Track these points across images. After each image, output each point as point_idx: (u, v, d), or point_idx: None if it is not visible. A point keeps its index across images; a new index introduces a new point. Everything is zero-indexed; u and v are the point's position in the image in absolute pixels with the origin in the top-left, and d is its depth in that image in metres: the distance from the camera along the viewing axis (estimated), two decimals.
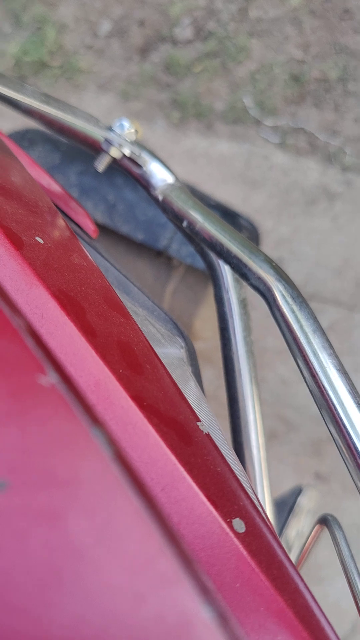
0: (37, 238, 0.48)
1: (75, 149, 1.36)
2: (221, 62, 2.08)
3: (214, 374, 1.88)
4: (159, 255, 1.40)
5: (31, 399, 0.31)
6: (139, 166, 0.73)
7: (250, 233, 1.46)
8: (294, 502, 0.98)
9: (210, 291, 1.43)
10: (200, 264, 1.33)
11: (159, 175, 0.73)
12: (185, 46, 2.08)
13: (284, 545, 0.45)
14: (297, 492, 1.03)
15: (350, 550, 0.56)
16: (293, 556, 0.74)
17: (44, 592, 0.26)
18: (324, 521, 0.63)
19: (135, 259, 1.39)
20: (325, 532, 0.64)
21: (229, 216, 1.40)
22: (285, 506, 0.97)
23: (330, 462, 1.85)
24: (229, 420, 0.68)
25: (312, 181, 2.01)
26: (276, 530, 0.79)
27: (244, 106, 2.05)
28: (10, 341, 0.32)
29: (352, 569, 0.53)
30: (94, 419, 0.31)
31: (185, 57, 2.06)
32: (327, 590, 1.73)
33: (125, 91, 2.04)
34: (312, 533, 0.69)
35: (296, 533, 0.83)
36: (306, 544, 0.71)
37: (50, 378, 0.32)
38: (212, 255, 0.70)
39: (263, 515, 0.41)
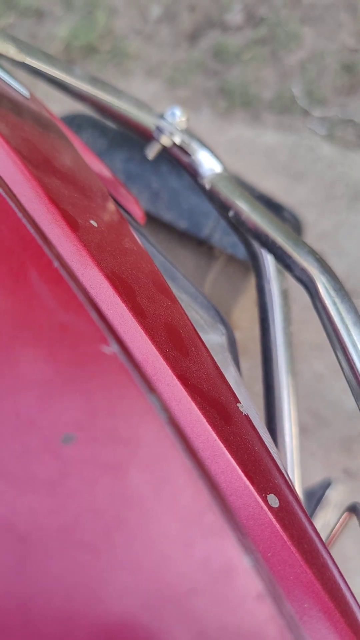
0: (92, 221, 0.49)
1: (122, 135, 1.36)
2: (271, 49, 2.05)
3: (249, 366, 1.87)
4: (201, 244, 1.40)
5: (96, 366, 0.35)
6: (188, 155, 0.74)
7: (292, 225, 1.45)
8: (322, 495, 0.98)
9: (250, 282, 1.42)
10: (241, 254, 1.33)
11: (207, 164, 0.74)
12: (235, 33, 2.06)
13: None
14: (326, 484, 1.03)
15: None
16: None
17: (108, 534, 0.29)
18: (353, 509, 0.64)
19: (176, 247, 1.40)
20: (354, 524, 0.64)
21: (272, 207, 1.39)
22: (313, 498, 0.97)
23: None
24: (264, 408, 0.69)
25: (358, 175, 1.97)
26: None
27: (293, 96, 2.02)
28: (77, 314, 0.36)
29: None
30: (151, 387, 0.35)
31: (234, 44, 2.04)
32: (353, 581, 1.72)
33: (173, 78, 2.03)
34: (341, 520, 0.70)
35: (322, 525, 0.83)
36: (334, 530, 0.72)
37: (112, 348, 0.35)
38: (256, 246, 0.71)
39: (295, 494, 0.42)
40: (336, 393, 1.87)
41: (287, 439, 0.66)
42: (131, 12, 2.10)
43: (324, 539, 0.78)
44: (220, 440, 0.39)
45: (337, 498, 1.03)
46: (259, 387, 0.71)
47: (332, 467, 1.83)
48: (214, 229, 1.32)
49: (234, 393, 0.46)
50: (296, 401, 0.69)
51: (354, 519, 0.64)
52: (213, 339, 0.63)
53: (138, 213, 0.72)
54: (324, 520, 0.86)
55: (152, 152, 0.73)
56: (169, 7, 2.07)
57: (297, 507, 0.41)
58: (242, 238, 0.74)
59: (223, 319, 0.69)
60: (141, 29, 2.08)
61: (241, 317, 1.45)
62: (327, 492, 1.00)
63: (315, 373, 1.88)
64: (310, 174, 1.98)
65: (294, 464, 0.65)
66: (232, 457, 0.39)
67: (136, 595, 0.28)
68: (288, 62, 2.04)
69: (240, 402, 0.46)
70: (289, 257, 0.57)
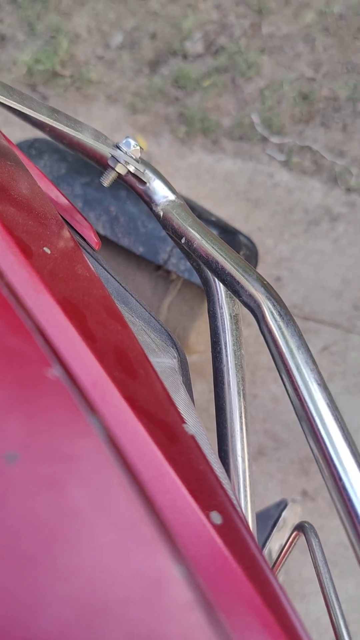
0: (45, 248, 0.51)
1: (80, 161, 1.37)
2: (231, 77, 2.09)
3: (208, 388, 1.88)
4: (158, 269, 1.41)
5: (39, 388, 0.37)
6: (143, 182, 0.75)
7: (249, 250, 1.47)
8: (279, 516, 0.99)
9: (206, 306, 1.44)
10: (197, 278, 1.35)
11: (161, 192, 0.75)
12: (195, 60, 2.10)
13: (266, 558, 0.47)
14: (282, 505, 1.04)
15: (324, 557, 0.58)
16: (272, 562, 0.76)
17: (46, 545, 0.31)
18: (301, 528, 0.65)
19: (134, 271, 1.41)
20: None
21: (228, 233, 1.41)
22: (270, 519, 0.97)
23: (318, 481, 1.85)
24: (216, 430, 0.70)
25: (315, 201, 2.02)
26: (259, 543, 0.81)
27: (252, 123, 2.07)
28: (23, 338, 0.38)
29: (325, 574, 0.56)
30: (92, 409, 0.38)
31: (194, 71, 2.08)
32: (309, 607, 1.73)
33: (134, 104, 2.05)
34: (290, 540, 0.71)
35: (279, 546, 0.84)
36: (284, 550, 0.73)
37: (55, 371, 0.38)
38: (208, 272, 0.73)
39: (240, 513, 0.43)
40: (293, 415, 1.89)
41: (239, 460, 0.67)
42: (93, 39, 2.13)
43: (277, 558, 0.79)
44: (166, 459, 0.40)
45: (293, 519, 1.04)
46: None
47: (290, 488, 1.84)
48: (170, 253, 1.34)
49: (180, 414, 0.47)
50: (247, 423, 0.70)
51: (302, 538, 0.65)
52: (164, 362, 0.64)
53: (93, 239, 0.72)
54: (281, 543, 0.87)
55: (107, 179, 0.74)
56: (130, 34, 2.10)
57: (240, 525, 0.42)
58: (194, 264, 0.76)
59: (175, 343, 0.70)
60: (103, 55, 2.10)
61: (198, 341, 1.46)
62: (283, 513, 1.01)
63: (272, 395, 1.90)
64: (269, 199, 2.01)
65: (246, 485, 0.66)
66: (177, 475, 0.40)
67: (72, 604, 0.30)
68: (247, 90, 2.09)
69: (186, 423, 0.47)
70: (238, 283, 0.59)
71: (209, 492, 0.42)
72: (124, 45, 2.10)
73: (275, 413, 1.89)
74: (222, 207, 1.99)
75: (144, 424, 0.41)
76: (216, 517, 0.40)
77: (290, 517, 1.02)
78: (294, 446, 1.87)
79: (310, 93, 2.08)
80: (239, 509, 0.44)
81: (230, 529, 0.40)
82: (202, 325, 1.43)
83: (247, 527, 0.42)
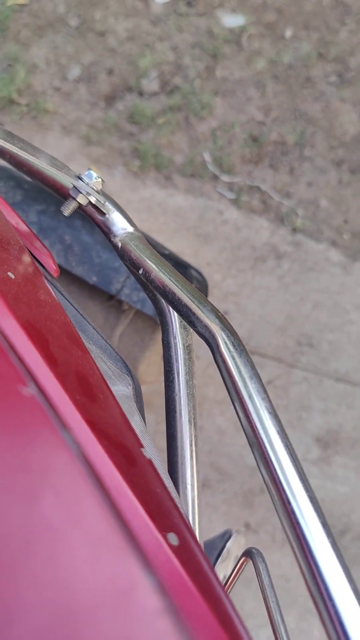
0: (9, 273, 0.51)
1: (37, 187, 1.38)
2: (184, 116, 2.15)
3: (153, 419, 1.89)
4: (110, 299, 1.43)
5: (15, 404, 0.38)
6: (103, 213, 0.76)
7: (199, 284, 1.50)
8: (223, 547, 1.00)
9: (157, 337, 1.45)
10: (149, 310, 1.36)
11: (120, 224, 0.77)
12: (150, 98, 2.16)
13: None
14: (226, 536, 1.05)
15: (271, 582, 0.60)
16: None
17: (21, 554, 0.32)
18: (249, 554, 0.66)
19: (86, 300, 1.41)
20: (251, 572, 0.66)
21: (179, 266, 1.44)
22: (214, 550, 0.98)
23: (261, 514, 1.87)
24: (167, 458, 0.71)
25: (262, 239, 2.08)
26: None
27: (203, 161, 2.12)
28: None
29: (272, 598, 0.57)
30: (65, 425, 0.39)
31: (149, 108, 2.13)
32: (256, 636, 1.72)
33: (88, 136, 2.08)
34: (237, 566, 0.72)
35: (223, 577, 0.85)
36: (230, 578, 0.74)
37: (30, 389, 0.39)
38: (163, 303, 0.74)
39: (195, 536, 0.44)
40: (238, 448, 1.91)
41: (189, 488, 0.68)
42: (51, 70, 2.16)
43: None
44: (125, 480, 0.41)
45: (237, 551, 1.04)
46: (164, 443, 0.74)
47: (234, 521, 1.85)
48: (124, 284, 1.35)
49: (138, 438, 0.49)
50: (197, 451, 0.71)
51: (250, 564, 0.66)
52: (120, 389, 0.65)
53: (52, 266, 0.73)
54: (225, 574, 0.88)
55: (68, 209, 0.76)
56: (88, 68, 2.14)
57: (195, 548, 0.43)
58: (150, 295, 0.77)
59: (130, 371, 0.72)
60: (60, 86, 2.13)
61: (147, 372, 1.47)
62: (228, 544, 1.01)
63: (218, 428, 1.92)
64: (218, 235, 2.06)
65: (195, 512, 0.67)
66: (135, 497, 0.41)
67: (46, 612, 0.30)
68: (200, 129, 2.15)
69: (144, 447, 0.48)
70: (193, 314, 0.60)
71: (166, 515, 0.43)
72: (81, 79, 2.14)
73: (221, 445, 1.90)
74: (173, 241, 2.03)
75: (104, 446, 0.42)
76: (173, 539, 0.41)
77: (234, 548, 1.03)
78: (238, 479, 1.89)
79: (260, 136, 2.16)
80: (193, 531, 0.45)
81: (187, 551, 0.41)
82: (152, 357, 1.44)
83: (201, 549, 0.43)
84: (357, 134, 2.22)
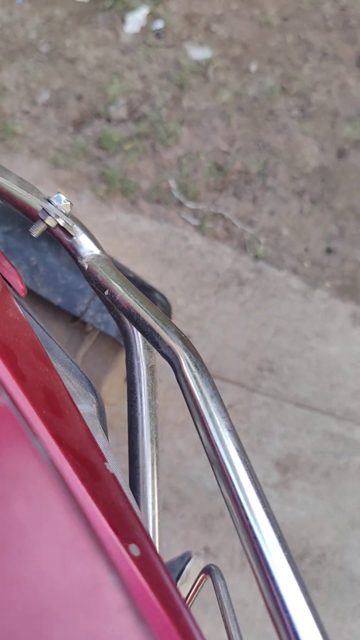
0: None
1: (3, 209, 1.39)
2: (151, 143, 2.20)
3: (114, 441, 1.89)
4: (74, 320, 1.44)
5: None
6: (70, 236, 0.78)
7: (163, 307, 1.53)
8: (183, 569, 1.00)
9: (120, 359, 1.47)
10: (112, 331, 1.38)
11: (87, 246, 0.78)
12: (118, 124, 2.19)
13: None
14: (185, 558, 1.05)
15: (229, 598, 0.61)
16: None
17: None
18: (208, 571, 0.67)
19: (50, 321, 1.42)
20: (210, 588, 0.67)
21: (144, 289, 1.46)
22: (174, 572, 0.98)
23: (220, 539, 1.87)
24: (129, 477, 0.72)
25: (226, 265, 2.12)
26: None
27: (169, 187, 2.16)
28: None
29: (230, 614, 0.59)
30: (35, 433, 0.41)
31: (117, 134, 2.17)
32: None
33: (56, 159, 2.11)
34: (197, 583, 0.73)
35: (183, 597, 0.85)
36: (191, 592, 0.75)
37: (2, 399, 0.41)
38: (128, 323, 0.76)
39: (155, 549, 0.46)
40: (198, 471, 1.92)
41: (150, 506, 0.69)
42: (20, 93, 2.18)
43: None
44: (89, 493, 0.42)
45: (196, 572, 1.05)
46: (124, 465, 0.75)
47: (193, 545, 1.85)
48: (88, 305, 1.36)
49: (102, 453, 0.50)
50: (158, 470, 0.73)
51: (209, 581, 0.67)
52: (84, 408, 0.66)
53: (19, 286, 0.75)
54: (184, 594, 0.88)
55: (36, 230, 0.77)
56: (57, 93, 2.18)
57: (156, 560, 0.44)
58: (115, 316, 0.79)
59: (94, 389, 0.73)
60: (29, 110, 2.16)
61: (110, 393, 1.48)
62: (187, 566, 1.02)
63: (178, 451, 1.93)
64: (182, 261, 2.10)
65: (155, 530, 0.68)
66: (99, 509, 0.42)
67: (17, 609, 0.31)
68: (166, 156, 2.19)
69: (108, 462, 0.50)
70: (157, 335, 0.62)
71: (128, 527, 0.44)
72: (51, 103, 2.16)
73: (181, 468, 1.91)
74: (138, 265, 2.05)
75: (69, 460, 0.44)
76: (135, 550, 0.42)
77: (194, 570, 1.03)
78: (197, 502, 1.89)
79: (224, 165, 2.21)
80: (154, 545, 0.46)
81: (147, 561, 0.42)
82: (115, 378, 1.45)
83: (162, 562, 0.45)
84: (318, 166, 2.29)
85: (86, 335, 1.43)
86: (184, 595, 0.87)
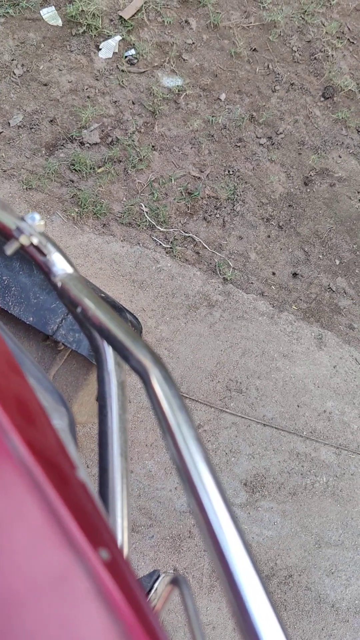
0: None
1: None
2: (123, 167, 2.23)
3: (83, 462, 1.88)
4: (46, 339, 1.45)
5: None
6: (44, 254, 0.79)
7: (134, 327, 1.55)
8: (152, 587, 1.01)
9: (90, 378, 1.48)
10: (84, 350, 1.39)
11: (60, 265, 0.80)
12: (91, 148, 2.23)
13: None
14: (154, 576, 1.06)
15: (195, 607, 0.62)
16: None
17: None
18: (175, 581, 0.68)
19: (22, 340, 1.43)
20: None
21: (115, 309, 1.48)
22: (142, 591, 0.99)
23: (189, 560, 1.88)
24: (98, 490, 0.73)
25: (195, 287, 2.16)
26: None
27: (140, 211, 2.20)
28: None
29: (196, 623, 0.60)
30: (7, 431, 0.42)
31: (90, 157, 2.20)
32: None
33: (29, 180, 2.13)
34: (164, 593, 0.74)
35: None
36: (158, 603, 0.76)
37: None
38: (99, 340, 0.78)
39: (123, 555, 0.48)
40: (167, 492, 1.93)
41: (119, 519, 0.70)
42: None
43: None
44: (60, 497, 0.44)
45: (165, 590, 1.06)
46: (94, 484, 0.76)
47: (161, 566, 1.85)
48: (60, 325, 1.38)
49: (72, 462, 0.52)
50: (128, 484, 0.74)
51: (176, 591, 0.69)
52: (56, 423, 0.68)
53: None
54: (152, 605, 0.89)
55: (10, 249, 0.78)
56: (31, 115, 2.20)
57: (123, 564, 0.46)
58: (87, 332, 0.81)
59: (65, 403, 0.74)
60: (1, 131, 2.18)
61: (80, 411, 1.49)
62: (156, 584, 1.03)
63: (148, 472, 1.94)
64: (153, 282, 2.13)
65: (124, 542, 0.69)
66: (70, 512, 0.44)
67: None
68: (138, 180, 2.23)
69: (78, 470, 0.51)
70: (127, 350, 0.64)
71: (97, 532, 0.46)
72: (24, 125, 2.19)
73: (150, 490, 1.92)
74: (109, 287, 2.07)
75: (41, 464, 0.46)
76: (105, 554, 0.44)
77: (161, 587, 1.04)
78: (166, 523, 1.90)
79: (194, 190, 2.25)
80: (122, 551, 0.48)
81: (116, 565, 0.44)
82: (85, 397, 1.46)
83: (129, 568, 0.46)
84: (285, 193, 2.36)
85: (57, 354, 1.44)
86: (152, 605, 0.88)
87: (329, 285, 2.28)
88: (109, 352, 0.77)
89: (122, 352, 0.65)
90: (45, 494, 0.43)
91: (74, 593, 0.36)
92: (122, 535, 0.70)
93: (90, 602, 0.36)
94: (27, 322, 1.36)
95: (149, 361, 0.62)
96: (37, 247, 0.79)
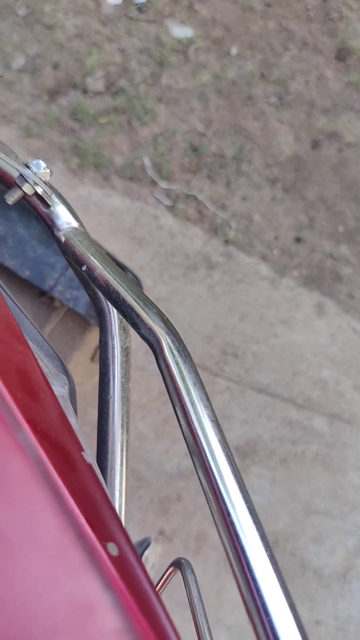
0: None
1: None
2: (127, 119, 2.15)
3: (74, 422, 1.86)
4: (42, 295, 1.40)
5: None
6: (48, 206, 0.74)
7: None
8: (141, 555, 0.99)
9: (87, 338, 1.44)
10: (81, 308, 1.34)
11: (65, 218, 0.74)
12: (94, 97, 2.14)
13: None
14: (145, 544, 1.04)
15: (199, 592, 0.59)
16: None
17: None
18: (177, 564, 0.66)
19: (16, 295, 1.38)
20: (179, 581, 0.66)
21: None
22: (151, 584, 0.98)
23: (176, 522, 1.88)
24: (96, 463, 0.69)
25: (196, 248, 2.10)
26: None
27: (143, 165, 2.12)
28: None
29: (199, 609, 0.57)
30: (19, 425, 0.37)
31: (93, 107, 2.11)
32: None
33: (28, 127, 2.04)
34: (166, 575, 0.71)
35: None
36: (158, 586, 0.73)
37: None
38: (104, 302, 0.72)
39: (132, 545, 0.43)
40: (157, 454, 1.92)
41: (117, 493, 0.67)
42: None
43: None
44: (65, 486, 0.40)
45: (154, 558, 1.04)
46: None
47: (149, 528, 1.85)
48: (58, 281, 1.33)
49: (79, 441, 0.47)
50: (128, 456, 0.70)
51: (178, 574, 0.66)
52: (57, 390, 0.63)
53: None
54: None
55: (12, 198, 0.73)
56: (33, 59, 2.11)
57: (133, 558, 0.42)
58: (91, 293, 0.75)
59: (66, 369, 0.70)
60: (2, 74, 2.08)
61: (75, 372, 1.45)
62: (146, 552, 1.01)
63: (139, 433, 1.92)
64: (152, 240, 2.07)
65: (122, 519, 0.66)
66: (76, 505, 0.39)
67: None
68: (142, 133, 2.15)
69: (85, 451, 0.47)
70: (138, 316, 0.59)
71: (106, 524, 0.41)
72: (26, 69, 2.09)
73: (141, 451, 1.90)
74: (107, 242, 2.01)
75: (45, 448, 0.41)
76: (113, 549, 0.40)
77: (152, 556, 1.03)
78: (155, 485, 1.89)
79: (200, 146, 2.18)
80: (130, 540, 0.44)
81: (126, 561, 0.40)
82: (81, 357, 1.42)
83: (139, 560, 0.43)
84: (292, 155, 2.28)
85: (53, 312, 1.39)
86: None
87: (331, 252, 2.24)
88: (114, 316, 0.72)
89: (131, 318, 0.60)
90: (50, 485, 0.38)
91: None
92: (119, 511, 0.67)
93: (103, 613, 0.31)
94: (23, 277, 1.31)
95: (162, 330, 0.57)
96: (40, 198, 0.74)
